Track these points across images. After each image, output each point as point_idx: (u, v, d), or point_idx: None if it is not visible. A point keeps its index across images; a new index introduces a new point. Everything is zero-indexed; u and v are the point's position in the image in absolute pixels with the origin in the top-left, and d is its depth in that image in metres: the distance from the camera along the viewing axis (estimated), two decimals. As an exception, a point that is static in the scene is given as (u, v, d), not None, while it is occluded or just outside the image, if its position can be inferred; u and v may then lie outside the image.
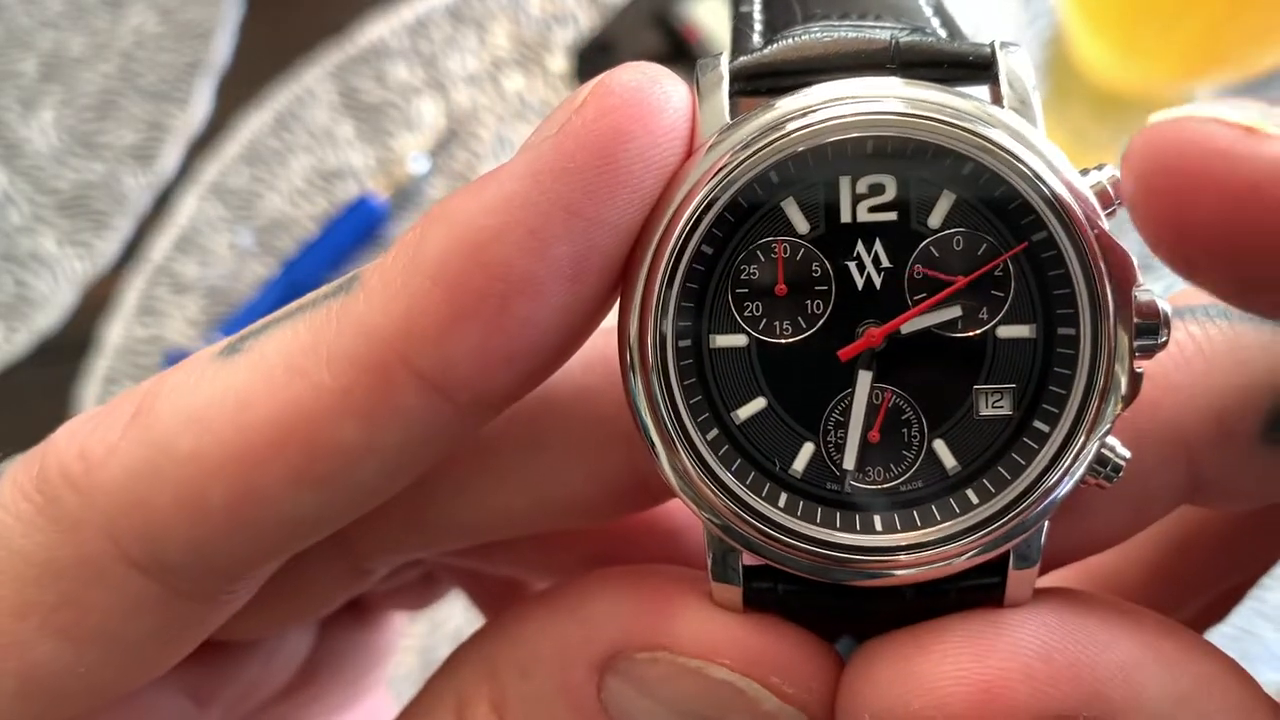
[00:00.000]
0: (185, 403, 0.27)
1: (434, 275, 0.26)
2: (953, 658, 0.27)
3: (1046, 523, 0.28)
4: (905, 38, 0.28)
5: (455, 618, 0.83)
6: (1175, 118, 0.23)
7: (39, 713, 0.29)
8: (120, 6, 1.01)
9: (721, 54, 0.29)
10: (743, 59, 0.28)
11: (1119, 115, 0.82)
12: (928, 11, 0.30)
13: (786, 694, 0.28)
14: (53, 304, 0.94)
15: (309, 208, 0.95)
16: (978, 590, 0.28)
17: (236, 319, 0.92)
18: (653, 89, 0.26)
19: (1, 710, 0.28)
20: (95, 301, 0.94)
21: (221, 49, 0.99)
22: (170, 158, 0.97)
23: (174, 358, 0.88)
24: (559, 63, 0.97)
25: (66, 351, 0.93)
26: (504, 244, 0.25)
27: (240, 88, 0.98)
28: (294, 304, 0.29)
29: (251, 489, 0.27)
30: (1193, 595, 0.39)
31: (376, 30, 0.98)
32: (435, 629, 0.84)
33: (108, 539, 0.27)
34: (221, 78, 0.99)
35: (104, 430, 0.28)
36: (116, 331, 0.93)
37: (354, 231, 0.93)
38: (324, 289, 0.28)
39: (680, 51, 0.90)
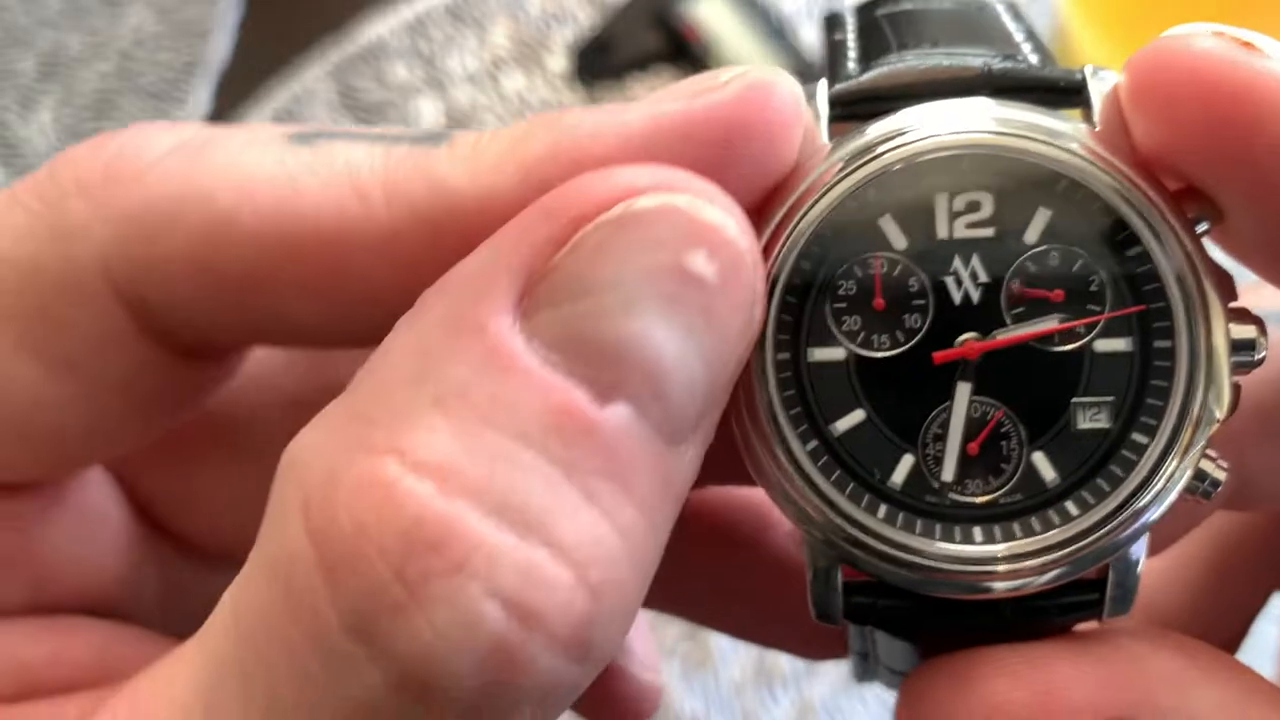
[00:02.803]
0: (240, 161, 0.26)
1: (528, 170, 0.25)
2: (1010, 666, 0.27)
3: (1146, 536, 0.28)
4: (998, 65, 0.29)
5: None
6: (1183, 31, 0.26)
7: (4, 439, 0.28)
8: (118, 6, 1.01)
9: (820, 81, 0.30)
10: (840, 85, 0.29)
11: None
12: (1019, 38, 0.31)
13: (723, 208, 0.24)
14: (51, 304, 0.94)
15: (308, 207, 0.95)
16: (1079, 607, 0.29)
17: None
18: (795, 104, 0.26)
19: None
20: (94, 301, 0.94)
21: (220, 48, 0.99)
22: (169, 157, 0.96)
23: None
24: (559, 62, 0.97)
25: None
26: (604, 167, 0.25)
27: (239, 87, 0.97)
28: (372, 129, 0.28)
29: (260, 277, 0.26)
30: (1225, 618, 0.39)
31: (376, 29, 0.98)
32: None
33: (100, 258, 0.26)
34: (220, 77, 0.98)
35: (141, 150, 0.27)
36: (115, 331, 0.93)
37: (353, 231, 0.93)
38: (405, 130, 0.27)
39: (680, 51, 0.90)
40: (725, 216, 0.24)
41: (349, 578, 0.21)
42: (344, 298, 0.27)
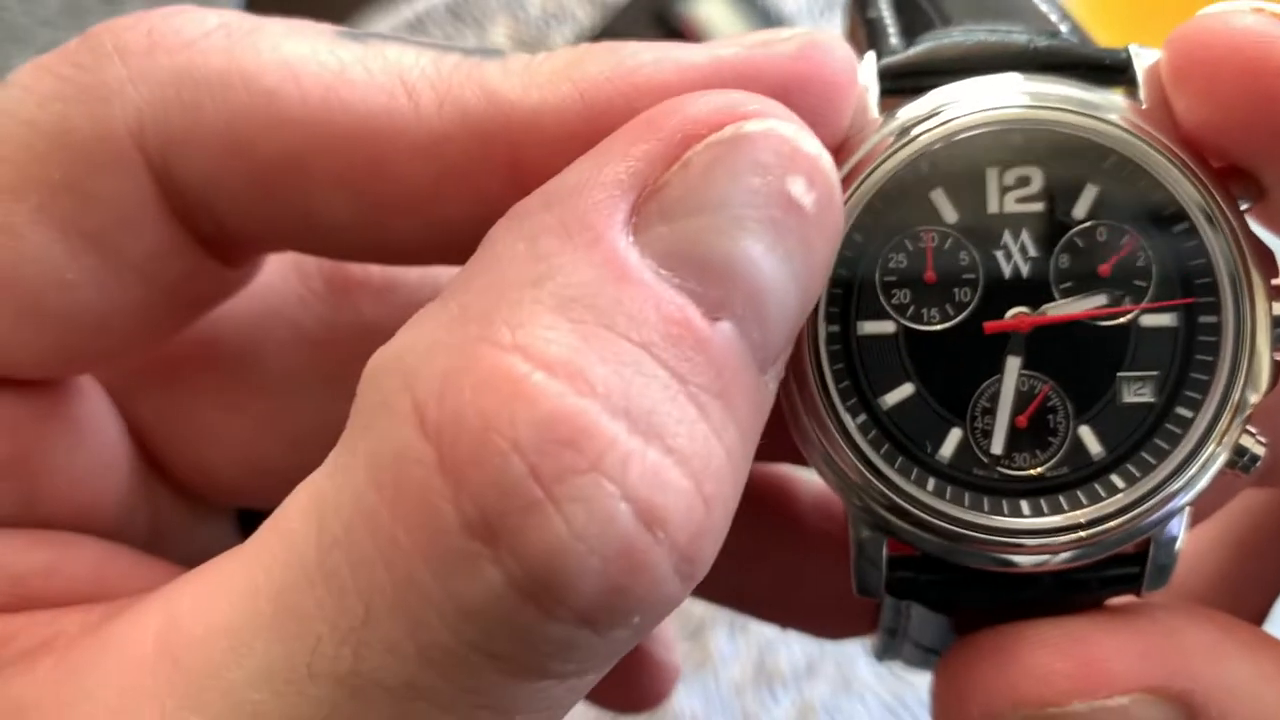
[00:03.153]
0: (289, 46, 0.26)
1: (583, 90, 0.26)
2: (1051, 639, 0.28)
3: (1188, 512, 0.29)
4: (1042, 42, 0.30)
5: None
6: (1222, 8, 0.26)
7: (16, 319, 0.27)
8: (118, 5, 1.01)
9: (868, 54, 0.30)
10: (889, 59, 0.30)
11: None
12: (1054, 17, 0.31)
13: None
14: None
15: (308, 207, 0.95)
16: (1118, 581, 0.29)
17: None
18: (851, 69, 0.27)
19: None
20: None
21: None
22: (168, 157, 0.96)
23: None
24: (559, 61, 0.97)
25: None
26: (662, 98, 0.25)
27: (239, 86, 0.97)
28: (425, 39, 0.28)
29: (297, 166, 0.26)
30: (1253, 597, 0.39)
31: (375, 29, 0.98)
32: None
33: (135, 121, 0.25)
34: (220, 76, 0.98)
35: (187, 25, 0.26)
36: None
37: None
38: (455, 44, 0.27)
39: (680, 50, 0.90)
40: (821, 148, 0.24)
41: (477, 474, 0.21)
42: (378, 199, 0.26)
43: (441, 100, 0.26)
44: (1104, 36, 0.87)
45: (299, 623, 0.22)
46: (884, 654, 0.36)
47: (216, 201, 0.27)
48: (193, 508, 0.36)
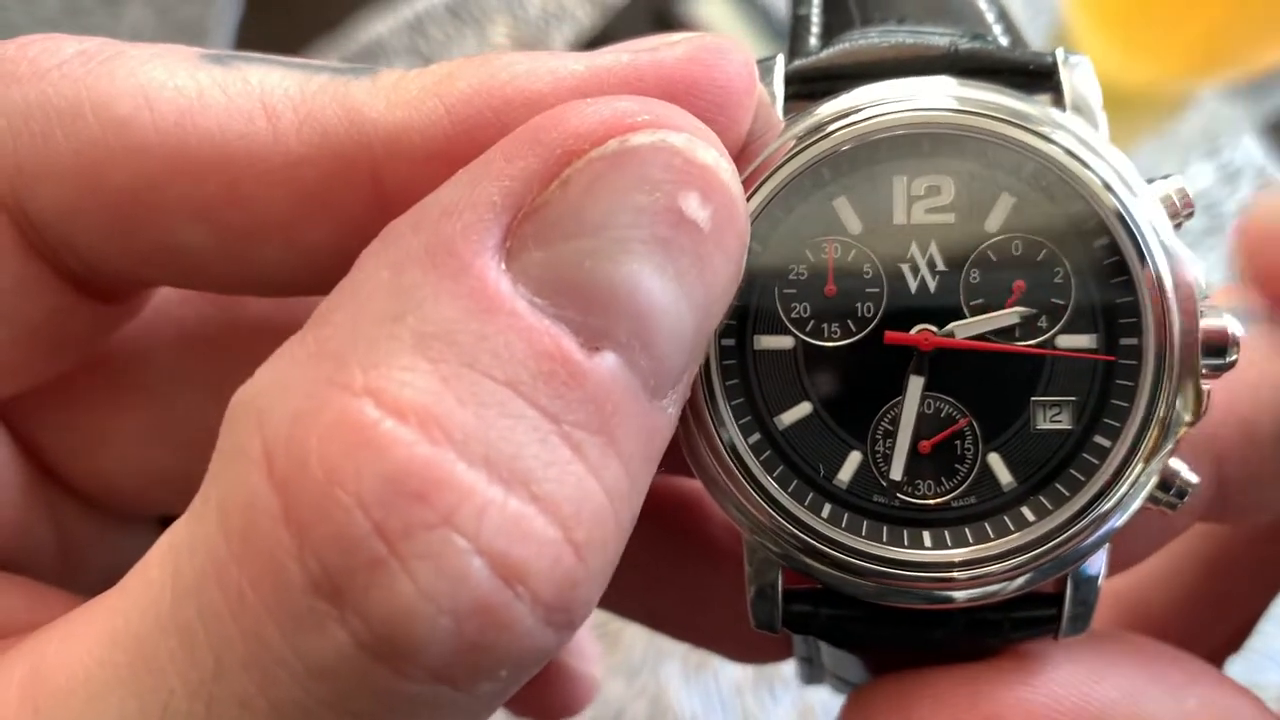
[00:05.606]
0: (145, 72, 0.25)
1: (451, 105, 0.25)
2: (950, 699, 0.26)
3: (1107, 548, 0.27)
4: (965, 44, 0.28)
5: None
6: None
7: None
8: (117, 5, 1.01)
9: (777, 55, 0.29)
10: (798, 62, 0.29)
11: (1122, 113, 0.81)
12: (990, 17, 0.30)
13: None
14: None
15: (307, 207, 0.95)
16: (1033, 623, 0.27)
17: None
18: (747, 73, 0.25)
19: None
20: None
21: (219, 47, 0.99)
22: (168, 157, 0.96)
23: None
24: (558, 61, 0.97)
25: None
26: (534, 111, 0.24)
27: (238, 87, 0.97)
28: (297, 59, 0.27)
29: (152, 195, 0.25)
30: (1221, 620, 0.38)
31: (375, 28, 0.98)
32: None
33: None
34: (219, 77, 0.98)
35: (42, 55, 0.26)
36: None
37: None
38: (330, 63, 0.26)
39: (680, 50, 0.90)
40: (720, 158, 0.23)
41: (320, 529, 0.20)
42: (237, 226, 0.26)
43: (301, 122, 0.25)
44: (1099, 38, 0.86)
45: (153, 676, 0.21)
46: (809, 680, 0.35)
47: (75, 235, 0.26)
48: (107, 521, 0.34)
